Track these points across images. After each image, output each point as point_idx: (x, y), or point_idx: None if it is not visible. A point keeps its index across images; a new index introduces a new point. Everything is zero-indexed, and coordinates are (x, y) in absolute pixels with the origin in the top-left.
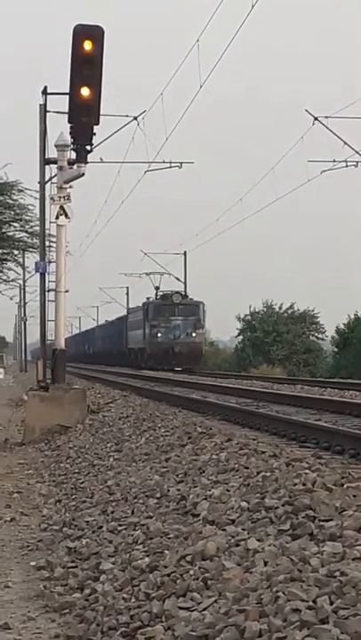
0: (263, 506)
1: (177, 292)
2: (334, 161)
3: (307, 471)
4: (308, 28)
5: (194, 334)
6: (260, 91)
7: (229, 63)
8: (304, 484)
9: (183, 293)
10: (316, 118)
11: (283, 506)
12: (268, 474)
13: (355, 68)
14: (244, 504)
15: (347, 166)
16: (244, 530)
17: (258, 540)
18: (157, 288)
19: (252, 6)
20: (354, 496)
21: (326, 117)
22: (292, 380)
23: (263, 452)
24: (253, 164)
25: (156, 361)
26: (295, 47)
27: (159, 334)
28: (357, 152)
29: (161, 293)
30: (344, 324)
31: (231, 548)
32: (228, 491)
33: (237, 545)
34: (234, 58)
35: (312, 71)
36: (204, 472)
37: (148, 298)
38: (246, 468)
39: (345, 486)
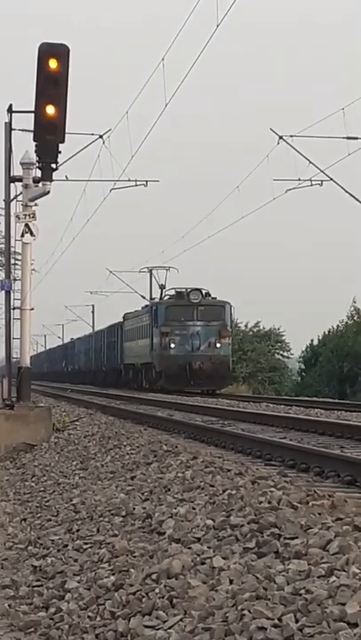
0: (229, 524)
1: (195, 289)
2: (299, 180)
3: (272, 489)
4: (274, 47)
5: (218, 345)
6: (226, 108)
7: (195, 82)
8: (270, 502)
9: (204, 291)
10: (281, 137)
11: (248, 524)
12: (233, 492)
13: (320, 86)
14: (209, 522)
15: (312, 185)
16: (209, 548)
17: (223, 558)
18: (163, 287)
19: (217, 25)
20: (319, 514)
21: (291, 136)
22: (258, 398)
23: (229, 470)
24: (219, 181)
25: (169, 380)
26: (261, 65)
27: (172, 345)
28: (322, 171)
29: (170, 292)
30: (318, 339)
31: (197, 566)
32: (194, 509)
33: (203, 563)
34: (200, 76)
35: (278, 90)
36: (169, 490)
37: (152, 298)
38: (212, 486)
39: (310, 504)
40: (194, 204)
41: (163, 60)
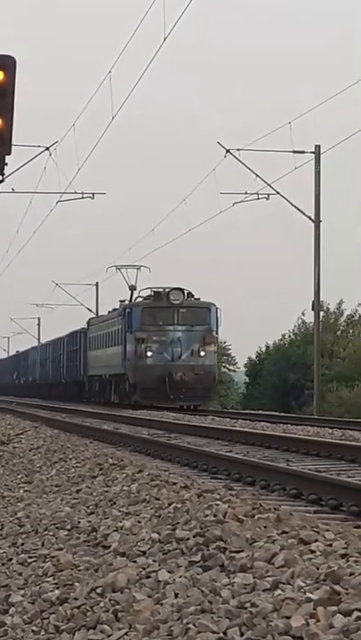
0: (174, 537)
1: (176, 289)
2: (246, 193)
3: (218, 502)
4: (221, 60)
5: (203, 353)
6: (173, 121)
7: (142, 94)
8: (215, 516)
9: (186, 291)
10: (228, 151)
11: (194, 537)
12: (179, 505)
13: (267, 100)
14: (155, 535)
15: (258, 198)
16: (154, 561)
17: (169, 572)
18: (133, 287)
19: (165, 39)
20: (265, 527)
21: (238, 150)
22: (204, 412)
23: (175, 484)
24: (166, 194)
25: (145, 394)
26: (208, 80)
27: (149, 353)
28: (269, 184)
29: (145, 293)
30: (257, 353)
31: (142, 579)
32: (140, 522)
33: (148, 577)
34: (146, 89)
35: (225, 103)
36: (115, 503)
37: (121, 301)
38: (158, 499)
39: (256, 517)
40: (142, 217)
41: (110, 72)
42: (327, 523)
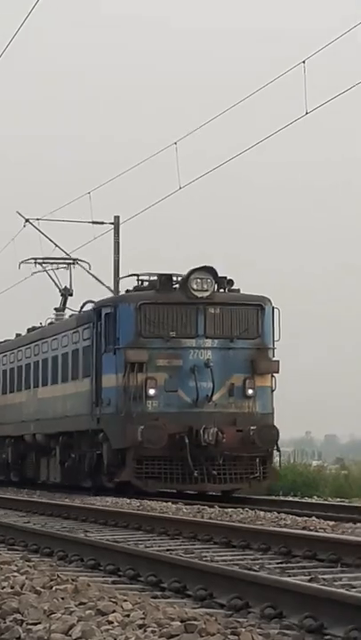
0: None
1: (203, 269)
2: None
3: (15, 574)
4: (22, 130)
5: (250, 391)
6: None
7: None
8: (12, 588)
9: (219, 275)
10: (27, 220)
11: None
12: None
13: (68, 171)
14: None
15: (58, 268)
16: None
17: None
18: (67, 292)
19: None
20: (62, 598)
21: (38, 219)
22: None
23: None
24: None
25: (143, 469)
26: (8, 149)
27: (152, 391)
28: (68, 254)
29: (135, 283)
30: None
31: None
32: None
33: None
34: None
35: (24, 173)
36: None
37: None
38: None
39: (54, 589)
40: None
41: None
42: (125, 593)
